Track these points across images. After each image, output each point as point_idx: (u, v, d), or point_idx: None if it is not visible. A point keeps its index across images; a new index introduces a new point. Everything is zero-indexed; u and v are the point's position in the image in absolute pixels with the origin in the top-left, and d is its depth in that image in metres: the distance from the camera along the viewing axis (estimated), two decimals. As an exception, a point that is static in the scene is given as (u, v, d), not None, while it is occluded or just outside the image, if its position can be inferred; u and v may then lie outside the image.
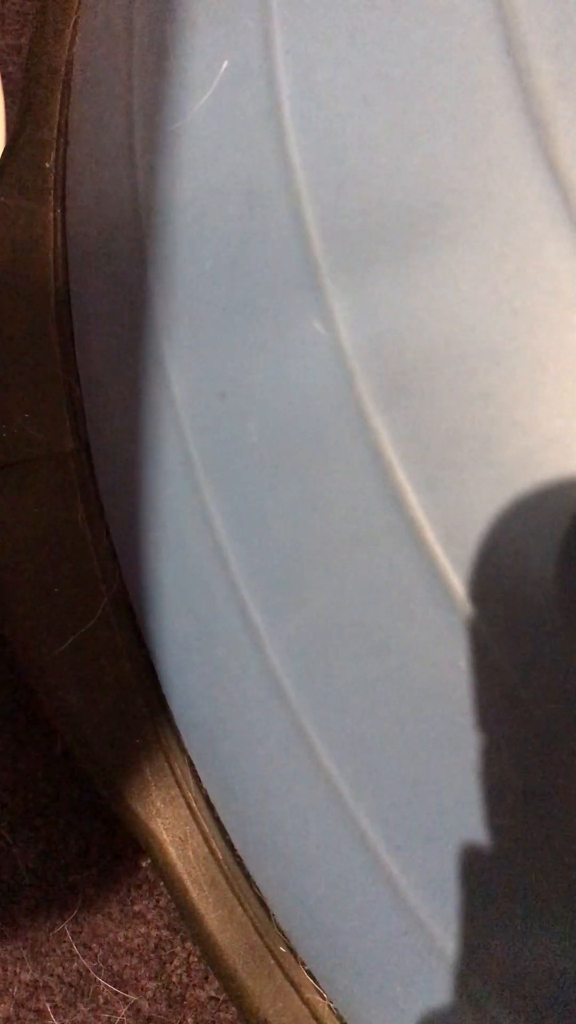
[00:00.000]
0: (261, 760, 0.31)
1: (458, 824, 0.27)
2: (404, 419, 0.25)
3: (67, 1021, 0.38)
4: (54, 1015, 0.38)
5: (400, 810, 0.28)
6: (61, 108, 0.41)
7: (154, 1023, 0.38)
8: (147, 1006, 0.38)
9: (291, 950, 0.33)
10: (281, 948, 0.34)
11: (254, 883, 0.34)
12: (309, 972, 0.33)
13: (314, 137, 0.27)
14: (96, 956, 0.38)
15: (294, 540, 0.28)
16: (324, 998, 0.33)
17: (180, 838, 0.35)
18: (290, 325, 0.27)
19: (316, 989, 0.33)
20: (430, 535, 0.25)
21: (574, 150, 0.23)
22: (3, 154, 0.40)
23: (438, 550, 0.25)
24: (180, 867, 0.35)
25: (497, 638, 0.25)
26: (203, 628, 0.32)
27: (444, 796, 0.27)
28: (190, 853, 0.35)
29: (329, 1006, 0.33)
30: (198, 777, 0.35)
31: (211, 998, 0.38)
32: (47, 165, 0.40)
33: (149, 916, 0.39)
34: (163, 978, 0.38)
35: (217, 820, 0.35)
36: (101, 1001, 0.38)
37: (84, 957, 0.38)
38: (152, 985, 0.38)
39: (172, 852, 0.35)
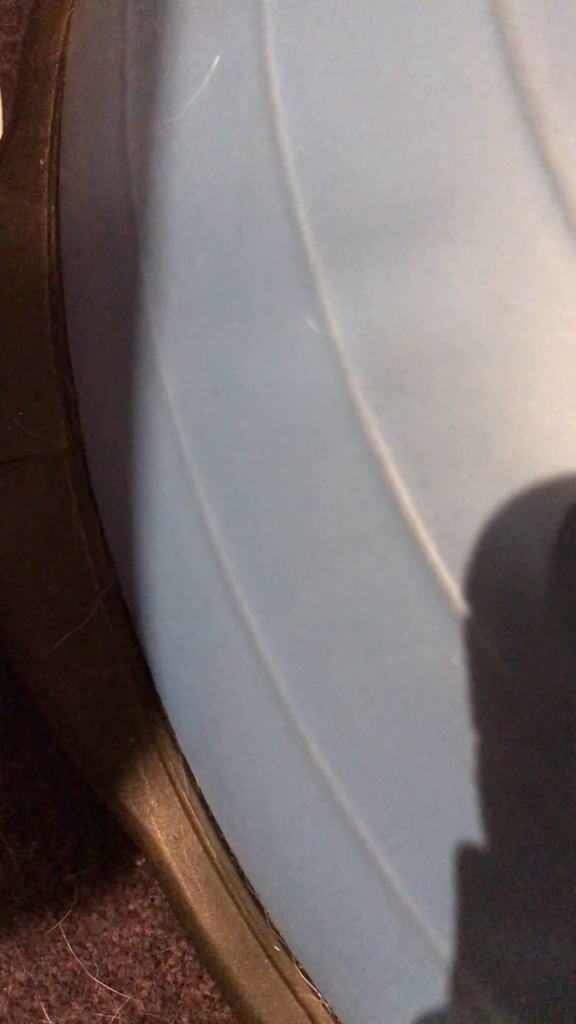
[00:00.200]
0: (255, 759, 0.31)
1: (452, 824, 0.26)
2: (397, 417, 0.25)
3: (62, 1020, 0.38)
4: (49, 1014, 0.38)
5: (394, 809, 0.28)
6: (55, 105, 0.41)
7: (149, 1022, 0.38)
8: (142, 1005, 0.38)
9: (285, 949, 0.33)
10: (275, 947, 0.34)
11: (248, 882, 0.34)
12: (303, 971, 0.33)
13: (306, 133, 0.26)
14: (91, 955, 0.38)
15: (287, 539, 0.28)
16: (318, 997, 0.33)
17: (174, 837, 0.35)
18: (283, 322, 0.27)
19: (310, 988, 0.33)
20: (423, 533, 0.25)
21: (567, 146, 0.23)
22: (-3, 151, 0.40)
23: (431, 548, 0.25)
24: (174, 866, 0.35)
25: (491, 637, 0.25)
26: (197, 627, 0.32)
27: (438, 796, 0.27)
28: (184, 852, 0.35)
29: (323, 1005, 0.33)
30: (192, 776, 0.35)
31: (206, 997, 0.38)
32: (41, 162, 0.40)
33: (144, 915, 0.39)
34: (158, 977, 0.38)
35: (211, 819, 0.34)
36: (96, 1000, 0.38)
37: (79, 956, 0.38)
38: (147, 984, 0.38)
39: (166, 851, 0.35)
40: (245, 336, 0.28)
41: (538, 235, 0.23)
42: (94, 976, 0.38)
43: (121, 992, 0.38)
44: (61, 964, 0.38)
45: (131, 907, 0.39)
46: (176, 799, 0.35)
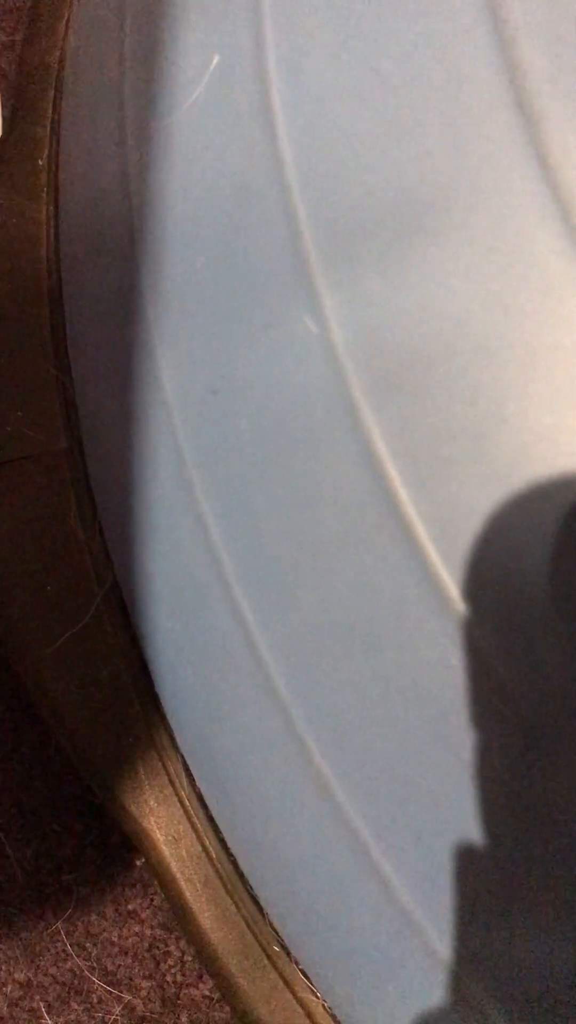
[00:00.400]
0: (254, 759, 0.31)
1: (450, 823, 0.26)
2: (395, 416, 0.25)
3: (61, 1020, 0.38)
4: (48, 1014, 0.38)
5: (392, 809, 0.28)
6: (54, 105, 0.41)
7: (148, 1022, 0.38)
8: (141, 1005, 0.38)
9: (284, 949, 0.33)
10: (275, 947, 0.34)
11: (247, 882, 0.34)
12: (302, 971, 0.33)
13: (305, 132, 0.26)
14: (90, 955, 0.38)
15: (286, 537, 0.28)
16: (317, 997, 0.33)
17: (174, 837, 0.35)
18: (281, 322, 0.27)
19: (309, 987, 0.33)
20: (421, 532, 0.25)
21: (564, 145, 0.23)
22: (-4, 151, 0.40)
23: (430, 547, 0.25)
24: (174, 866, 0.35)
25: (489, 635, 0.25)
26: (196, 626, 0.32)
27: (436, 795, 0.27)
28: (183, 852, 0.35)
29: (323, 1005, 0.33)
30: (191, 776, 0.35)
31: (205, 997, 0.38)
32: (40, 162, 0.40)
33: (143, 915, 0.39)
34: (157, 977, 0.38)
35: (210, 819, 0.34)
36: (95, 1000, 0.38)
37: (78, 956, 0.38)
38: (146, 984, 0.38)
39: (166, 851, 0.35)
40: (243, 335, 0.28)
41: (536, 234, 0.23)
42: (93, 976, 0.38)
43: (120, 992, 0.38)
44: (60, 964, 0.38)
45: (130, 907, 0.39)
46: (175, 799, 0.35)
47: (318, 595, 0.28)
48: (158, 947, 0.38)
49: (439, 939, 0.28)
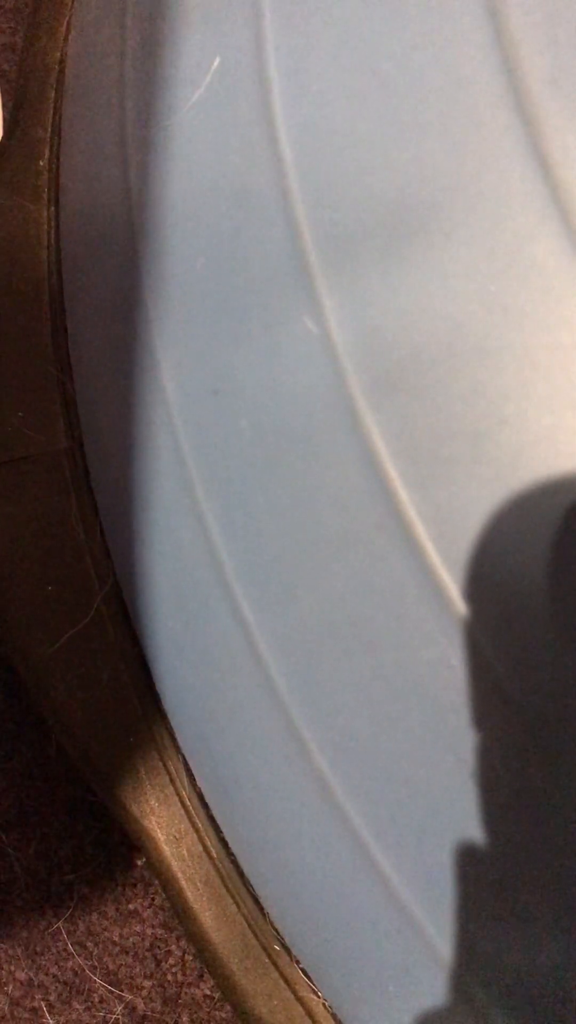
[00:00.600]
0: (254, 758, 0.31)
1: (450, 822, 0.27)
2: (395, 416, 0.25)
3: (62, 1020, 0.38)
4: (49, 1014, 0.38)
5: (392, 808, 0.28)
6: (55, 106, 0.41)
7: (149, 1021, 0.38)
8: (142, 1004, 0.38)
9: (285, 948, 0.33)
10: (275, 946, 0.34)
11: (248, 881, 0.34)
12: (303, 970, 0.33)
13: (305, 134, 0.26)
14: (91, 955, 0.38)
15: (286, 538, 0.28)
16: (318, 996, 0.33)
17: (174, 836, 0.35)
18: (282, 322, 0.27)
19: (310, 987, 0.33)
20: (421, 533, 0.25)
21: (564, 146, 0.23)
22: (-4, 152, 0.40)
23: (429, 547, 0.25)
24: (175, 865, 0.35)
25: (489, 635, 0.25)
26: (196, 626, 0.32)
27: (436, 794, 0.27)
28: (184, 851, 0.35)
29: (323, 1004, 0.33)
30: (192, 775, 0.35)
31: (206, 996, 0.38)
32: (41, 163, 0.40)
33: (144, 915, 0.39)
34: (158, 976, 0.38)
35: (211, 818, 0.34)
36: (96, 1000, 0.38)
37: (79, 956, 0.38)
38: (147, 983, 0.38)
39: (166, 850, 0.35)
40: (244, 336, 0.28)
41: (535, 235, 0.23)
42: (95, 975, 0.38)
43: (121, 991, 0.38)
44: (62, 963, 0.38)
45: (131, 906, 0.39)
46: (176, 798, 0.35)
47: (318, 595, 0.28)
48: (159, 946, 0.38)
49: (439, 938, 0.28)
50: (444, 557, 0.25)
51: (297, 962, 0.33)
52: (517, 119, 0.24)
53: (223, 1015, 0.38)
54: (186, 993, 0.38)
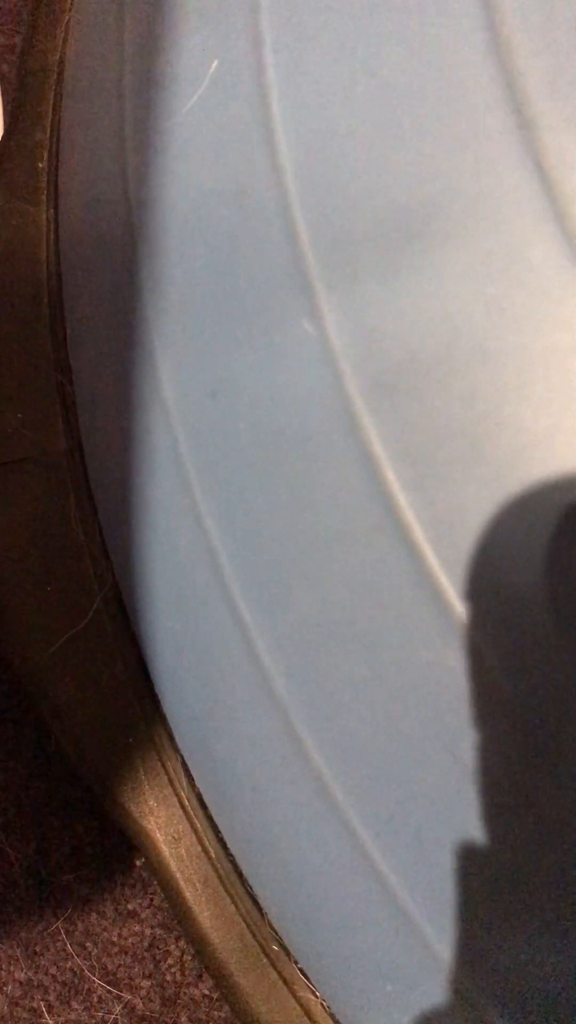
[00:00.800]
0: (252, 759, 0.31)
1: (449, 823, 0.27)
2: (393, 419, 0.25)
3: (61, 1020, 0.38)
4: (48, 1014, 0.38)
5: (390, 809, 0.28)
6: (54, 108, 0.41)
7: (148, 1021, 0.38)
8: (141, 1004, 0.38)
9: (284, 948, 0.33)
10: (274, 946, 0.34)
11: (247, 881, 0.34)
12: (301, 970, 0.33)
13: (303, 136, 0.27)
14: (90, 955, 0.38)
15: (284, 540, 0.28)
16: (317, 996, 0.33)
17: (173, 837, 0.35)
18: (280, 325, 0.27)
19: (308, 987, 0.33)
20: (419, 535, 0.25)
21: (561, 149, 0.23)
22: (-4, 154, 0.40)
23: (427, 549, 0.25)
24: (173, 866, 0.35)
25: (487, 637, 0.25)
26: (195, 627, 0.32)
27: (435, 796, 0.27)
28: (183, 852, 0.35)
29: (322, 1004, 0.33)
30: (191, 776, 0.35)
31: (205, 996, 0.38)
32: (40, 165, 0.40)
33: (143, 915, 0.39)
34: (157, 976, 0.38)
35: (210, 819, 0.35)
36: (95, 1000, 0.38)
37: (78, 956, 0.38)
38: (146, 984, 0.38)
39: (165, 851, 0.35)
40: (242, 338, 0.28)
41: (533, 238, 0.23)
42: (93, 976, 0.38)
43: (120, 991, 0.38)
44: (60, 964, 0.38)
45: (130, 907, 0.39)
46: (175, 799, 0.35)
47: (316, 596, 0.28)
48: (158, 946, 0.39)
49: (438, 939, 0.28)
50: (442, 559, 0.25)
51: (295, 962, 0.33)
52: (514, 122, 0.24)
53: (221, 1015, 0.38)
54: (185, 993, 0.38)
